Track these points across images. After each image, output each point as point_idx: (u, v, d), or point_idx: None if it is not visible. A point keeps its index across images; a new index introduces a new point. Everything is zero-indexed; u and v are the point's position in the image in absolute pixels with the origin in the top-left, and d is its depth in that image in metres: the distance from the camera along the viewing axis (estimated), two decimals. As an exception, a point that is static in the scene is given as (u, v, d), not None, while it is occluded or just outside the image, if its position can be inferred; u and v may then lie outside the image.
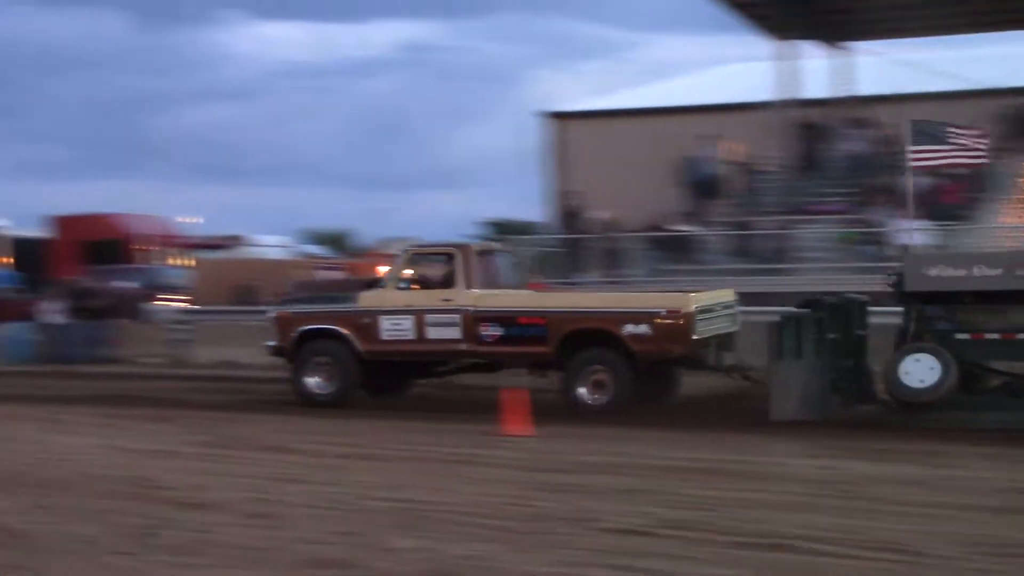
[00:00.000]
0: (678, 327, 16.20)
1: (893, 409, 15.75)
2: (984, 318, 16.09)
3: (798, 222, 25.11)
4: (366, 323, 17.47)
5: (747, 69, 33.24)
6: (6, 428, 15.25)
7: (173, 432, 14.82)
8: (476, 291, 17.11)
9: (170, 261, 32.37)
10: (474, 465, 12.09)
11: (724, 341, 17.29)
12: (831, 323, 16.07)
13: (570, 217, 28.35)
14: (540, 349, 16.86)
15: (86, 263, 30.53)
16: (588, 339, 16.65)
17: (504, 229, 54.23)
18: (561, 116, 34.29)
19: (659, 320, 16.26)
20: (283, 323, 18.12)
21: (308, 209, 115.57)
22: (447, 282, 17.41)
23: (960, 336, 15.84)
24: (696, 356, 16.87)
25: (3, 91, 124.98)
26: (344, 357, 17.50)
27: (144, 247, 32.38)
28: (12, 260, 31.83)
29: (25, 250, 32.07)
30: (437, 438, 13.97)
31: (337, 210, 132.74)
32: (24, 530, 8.95)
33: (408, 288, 17.51)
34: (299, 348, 17.78)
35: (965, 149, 18.27)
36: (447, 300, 17.11)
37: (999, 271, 15.52)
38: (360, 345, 17.42)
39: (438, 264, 18.05)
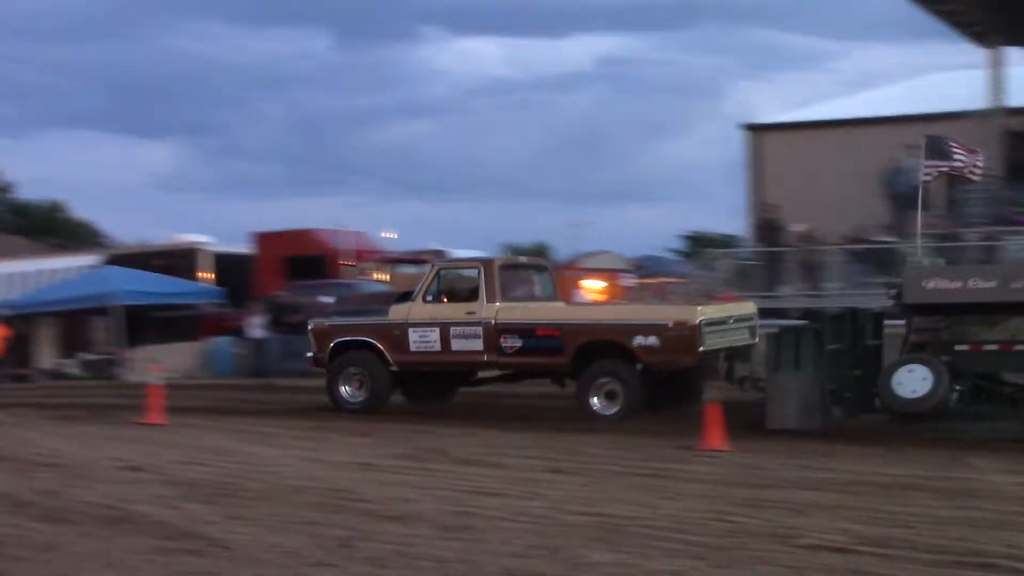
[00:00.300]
0: (685, 338, 16.86)
1: (895, 419, 16.17)
2: (982, 329, 16.47)
3: (1006, 232, 24.29)
4: (396, 335, 18.41)
5: (953, 78, 32.32)
6: (210, 439, 15.63)
7: (371, 445, 14.99)
8: (497, 304, 17.90)
9: (370, 276, 32.76)
10: (671, 480, 11.93)
11: (740, 353, 18.00)
12: (833, 334, 16.51)
13: (768, 230, 27.86)
14: (557, 360, 17.68)
15: (287, 278, 31.10)
16: (601, 350, 17.38)
17: (703, 242, 53.75)
18: (759, 128, 33.76)
19: (667, 332, 16.95)
20: (320, 335, 19.19)
21: (506, 224, 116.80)
22: (471, 296, 18.23)
23: (960, 347, 16.24)
24: (705, 367, 17.74)
25: (214, 110, 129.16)
26: (375, 367, 18.51)
27: (344, 262, 32.83)
28: (214, 275, 32.63)
29: (227, 266, 32.84)
30: (628, 452, 13.89)
31: (534, 224, 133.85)
32: (225, 539, 9.08)
33: (436, 301, 18.26)
34: (334, 358, 18.75)
35: (965, 165, 18.73)
36: (470, 313, 17.95)
37: (994, 283, 15.95)
38: (390, 356, 18.41)
39: (466, 279, 18.86)
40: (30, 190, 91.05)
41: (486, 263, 18.64)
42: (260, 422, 17.51)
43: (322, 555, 8.54)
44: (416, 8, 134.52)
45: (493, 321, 17.75)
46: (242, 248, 33.97)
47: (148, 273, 28.12)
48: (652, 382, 17.27)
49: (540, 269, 20.06)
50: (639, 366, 17.12)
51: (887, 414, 16.29)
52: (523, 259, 21.97)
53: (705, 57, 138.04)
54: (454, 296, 18.45)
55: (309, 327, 19.44)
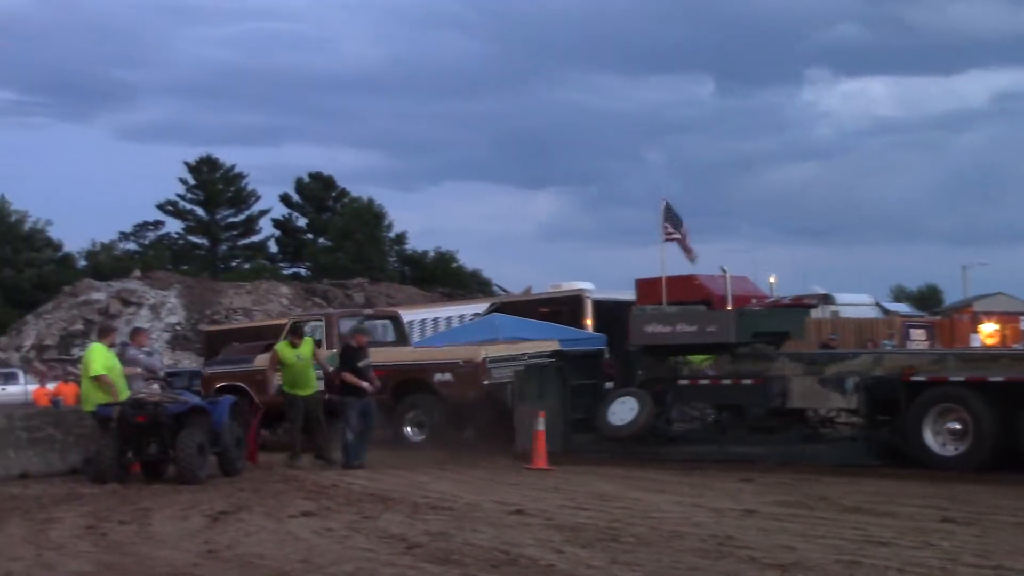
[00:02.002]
0: (471, 375, 20.69)
1: (603, 441, 19.41)
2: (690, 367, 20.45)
3: None
4: (259, 379, 21.60)
5: None
6: (594, 485, 15.74)
7: (754, 491, 14.78)
8: (335, 350, 20.92)
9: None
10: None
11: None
12: (572, 372, 20.13)
13: None
14: (382, 396, 20.25)
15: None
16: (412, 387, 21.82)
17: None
18: None
19: (457, 369, 20.98)
20: (207, 381, 24.47)
21: (895, 266, 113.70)
22: (321, 344, 21.75)
23: (682, 382, 19.88)
24: (493, 398, 20.86)
25: (596, 160, 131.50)
26: (244, 406, 20.51)
27: (727, 308, 32.56)
28: (593, 322, 32.93)
29: (606, 312, 33.09)
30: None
31: (925, 267, 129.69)
32: (607, 584, 9.10)
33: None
34: None
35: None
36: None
37: (694, 328, 19.19)
38: (256, 396, 22.09)
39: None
40: (421, 241, 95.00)
41: (328, 316, 24.00)
42: (643, 469, 17.54)
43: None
44: (801, 51, 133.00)
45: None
46: (623, 295, 34.23)
47: (534, 321, 28.63)
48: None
49: (388, 318, 25.13)
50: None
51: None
52: (368, 311, 27.91)
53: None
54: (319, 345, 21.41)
55: (203, 374, 24.61)
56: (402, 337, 24.52)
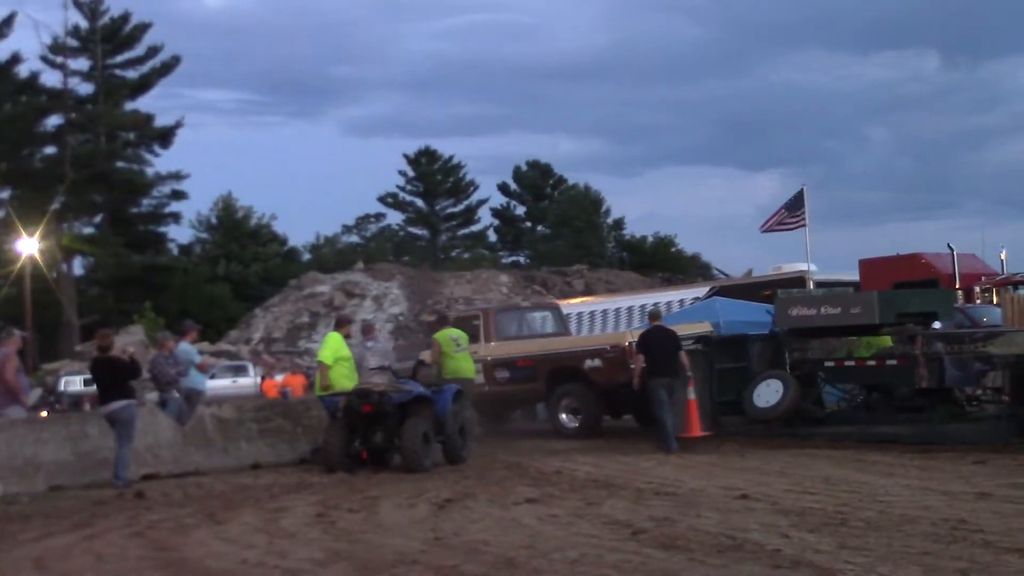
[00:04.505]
0: (619, 359, 20.79)
1: (751, 423, 19.88)
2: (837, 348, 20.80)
3: None
4: None
5: None
6: (822, 468, 15.48)
7: (988, 473, 14.36)
8: None
9: (981, 300, 31.39)
10: None
11: None
12: (718, 355, 20.68)
13: None
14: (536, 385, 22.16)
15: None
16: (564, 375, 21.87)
17: None
18: None
19: (605, 355, 21.22)
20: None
21: None
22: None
23: (828, 363, 20.16)
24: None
25: (819, 139, 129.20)
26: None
27: (954, 286, 31.67)
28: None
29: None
30: None
31: None
32: (833, 569, 8.94)
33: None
34: None
35: None
36: None
37: (838, 310, 19.39)
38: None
39: None
40: (640, 226, 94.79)
41: (484, 311, 24.10)
42: (871, 452, 17.17)
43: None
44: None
45: None
46: (847, 276, 33.60)
47: (755, 304, 28.30)
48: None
49: (548, 309, 25.64)
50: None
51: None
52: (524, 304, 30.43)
53: None
54: None
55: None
56: (562, 328, 24.86)
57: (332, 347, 18.53)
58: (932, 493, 12.85)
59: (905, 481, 13.96)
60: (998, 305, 29.77)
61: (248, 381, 44.39)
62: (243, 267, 79.24)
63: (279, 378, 41.42)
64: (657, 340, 19.24)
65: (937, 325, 20.30)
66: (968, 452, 16.36)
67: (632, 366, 19.72)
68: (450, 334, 20.48)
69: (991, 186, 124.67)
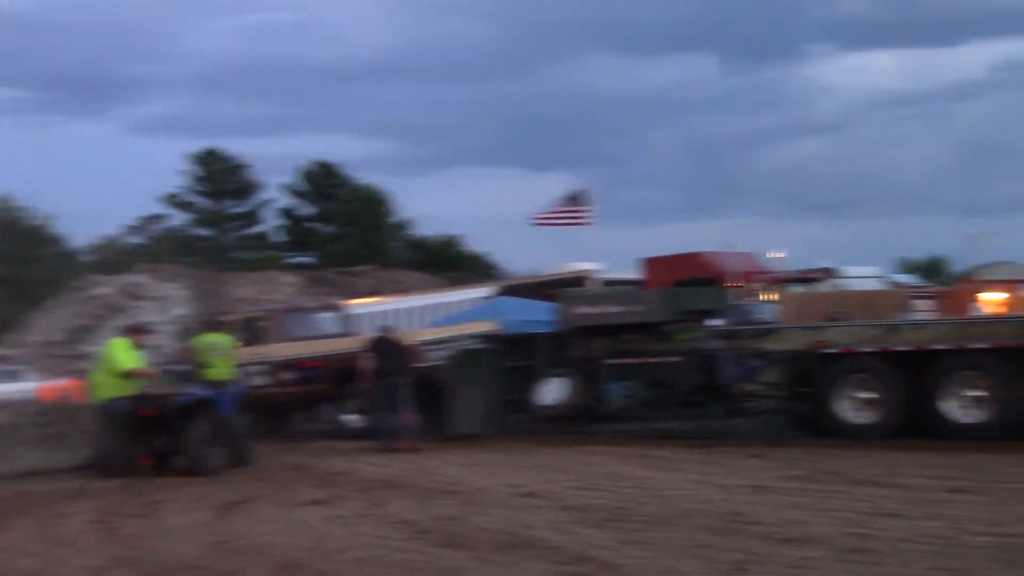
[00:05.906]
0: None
1: (535, 421, 20.04)
2: (619, 345, 20.36)
3: None
4: None
5: None
6: (605, 465, 15.71)
7: (764, 467, 14.75)
8: None
9: (759, 297, 32.33)
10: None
11: None
12: (506, 354, 20.68)
13: None
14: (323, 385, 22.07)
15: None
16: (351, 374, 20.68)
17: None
18: None
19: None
20: None
21: (902, 239, 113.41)
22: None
23: (611, 361, 20.04)
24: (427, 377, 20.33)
25: (605, 141, 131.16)
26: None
27: (734, 284, 32.54)
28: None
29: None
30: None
31: (932, 239, 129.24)
32: (617, 564, 9.07)
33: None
34: None
35: None
36: None
37: (621, 308, 19.76)
38: None
39: None
40: (427, 226, 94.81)
41: (271, 311, 24.62)
42: (652, 448, 17.52)
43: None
44: (801, 26, 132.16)
45: None
46: (631, 274, 34.21)
47: (539, 302, 28.62)
48: None
49: (331, 310, 25.53)
50: None
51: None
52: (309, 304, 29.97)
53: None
54: None
55: None
56: (348, 328, 24.85)
57: (122, 354, 17.93)
58: (711, 487, 13.14)
59: (686, 476, 14.25)
60: (776, 302, 30.77)
61: (19, 386, 42.89)
62: (21, 268, 76.70)
63: (58, 383, 40.18)
64: (385, 346, 19.55)
65: (717, 322, 20.84)
66: (746, 446, 16.84)
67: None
68: (208, 339, 19.77)
69: (771, 186, 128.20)
